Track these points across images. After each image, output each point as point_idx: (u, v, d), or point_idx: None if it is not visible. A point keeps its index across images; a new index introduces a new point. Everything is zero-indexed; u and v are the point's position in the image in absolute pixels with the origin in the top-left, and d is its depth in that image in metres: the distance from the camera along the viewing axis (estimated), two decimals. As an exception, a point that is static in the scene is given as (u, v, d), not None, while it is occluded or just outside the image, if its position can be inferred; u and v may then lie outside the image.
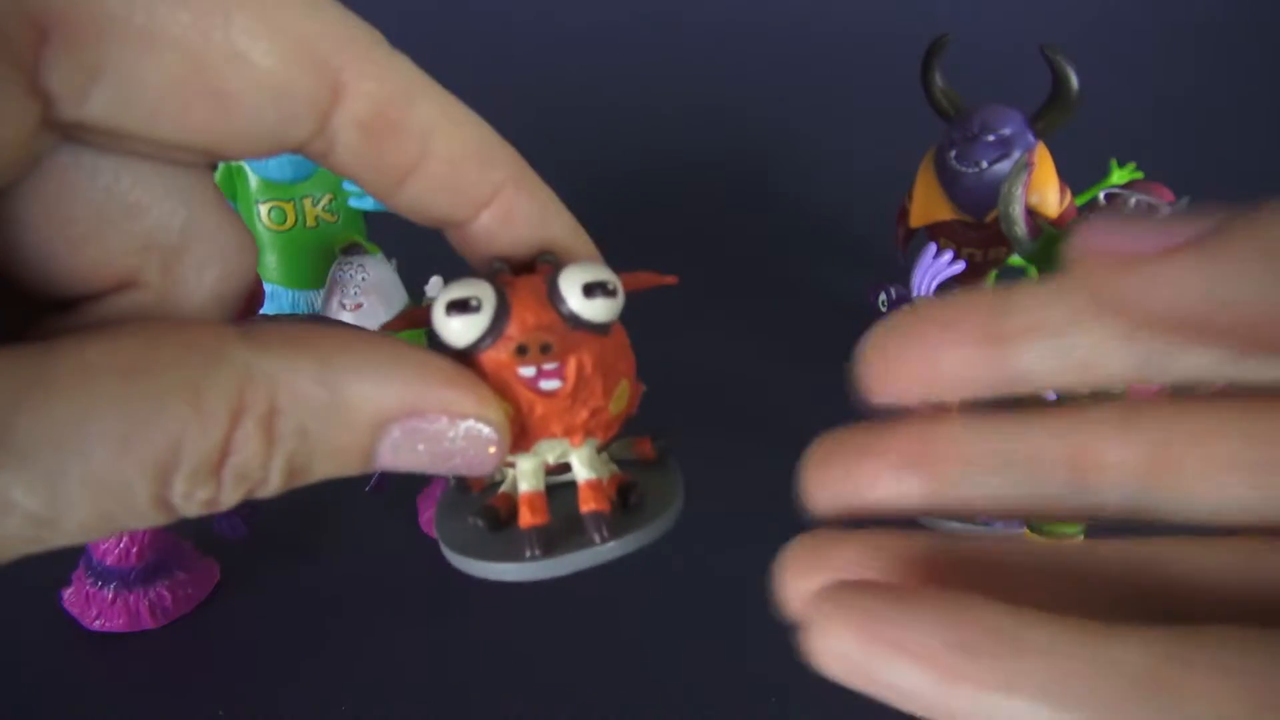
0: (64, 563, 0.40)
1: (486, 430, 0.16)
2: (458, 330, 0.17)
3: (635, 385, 0.19)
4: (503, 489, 0.20)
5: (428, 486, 0.44)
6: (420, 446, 0.16)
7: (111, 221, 0.16)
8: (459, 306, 0.17)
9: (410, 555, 0.43)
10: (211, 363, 0.14)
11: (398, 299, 0.49)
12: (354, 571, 0.42)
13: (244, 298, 0.17)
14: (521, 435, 0.18)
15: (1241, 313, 0.13)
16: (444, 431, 0.16)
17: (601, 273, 0.17)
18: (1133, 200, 0.44)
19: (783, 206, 0.69)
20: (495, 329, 0.17)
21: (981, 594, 0.15)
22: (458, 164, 0.17)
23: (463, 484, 0.21)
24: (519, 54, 0.78)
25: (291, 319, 0.16)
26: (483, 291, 0.17)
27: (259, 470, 0.15)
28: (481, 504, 0.19)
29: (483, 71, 0.75)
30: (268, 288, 0.51)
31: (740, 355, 0.54)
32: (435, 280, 0.49)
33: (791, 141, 0.75)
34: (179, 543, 0.40)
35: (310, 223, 0.50)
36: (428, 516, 0.44)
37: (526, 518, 0.18)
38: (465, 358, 0.17)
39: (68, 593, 0.39)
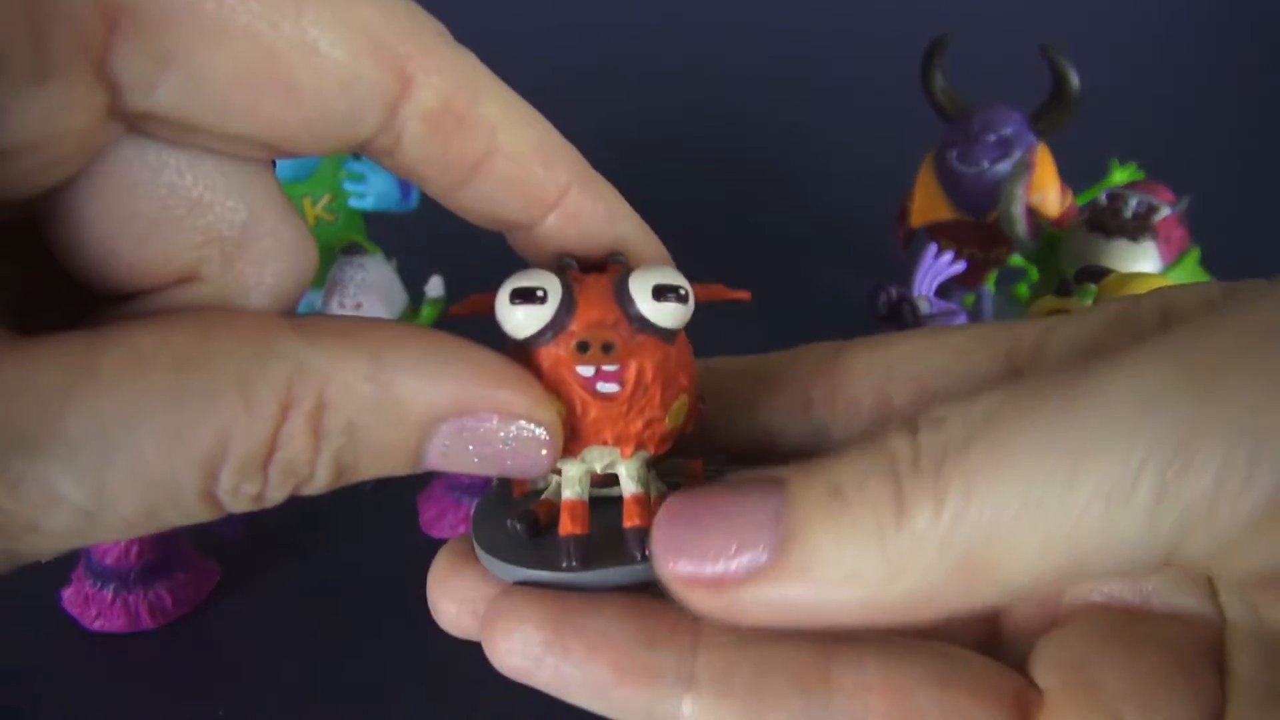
0: (64, 563, 0.40)
1: (539, 432, 0.16)
2: (520, 320, 0.16)
3: (695, 402, 0.18)
4: (545, 495, 0.19)
5: (427, 488, 0.44)
6: (470, 447, 0.16)
7: (175, 217, 0.15)
8: (524, 296, 0.16)
9: (410, 555, 0.43)
10: (263, 355, 0.14)
11: (398, 299, 0.49)
12: (354, 571, 0.42)
13: (301, 296, 0.17)
14: (571, 439, 0.17)
15: (822, 613, 0.15)
16: (495, 432, 0.16)
17: (674, 277, 0.17)
18: (1133, 200, 0.44)
19: (783, 206, 0.69)
20: (558, 323, 0.16)
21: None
22: (523, 162, 0.17)
23: (504, 487, 0.20)
24: (518, 54, 0.78)
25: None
26: (549, 283, 0.16)
27: (306, 466, 0.15)
28: (522, 508, 0.19)
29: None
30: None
31: (740, 355, 0.54)
32: (435, 280, 0.49)
33: (791, 141, 0.75)
34: (179, 543, 0.40)
35: (310, 223, 0.50)
36: (428, 517, 0.44)
37: (566, 525, 0.18)
38: (523, 350, 0.17)
39: (67, 593, 0.39)
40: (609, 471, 0.18)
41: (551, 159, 0.18)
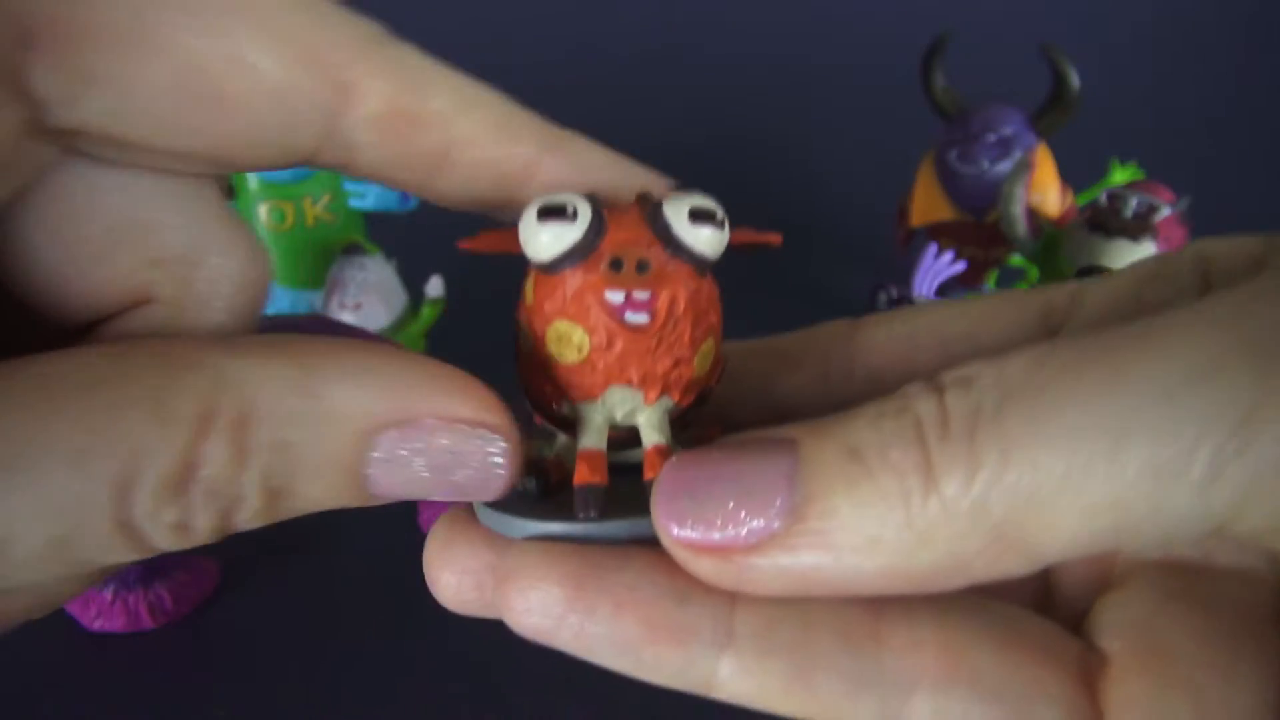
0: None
1: (493, 440, 0.15)
2: (546, 241, 0.15)
3: (720, 351, 0.17)
4: (555, 453, 0.18)
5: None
6: (417, 461, 0.14)
7: (121, 238, 0.15)
8: (554, 213, 0.15)
9: (410, 555, 0.43)
10: (181, 369, 0.13)
11: (398, 299, 0.49)
12: (354, 571, 0.42)
13: (259, 309, 0.17)
14: (593, 377, 0.16)
15: (838, 582, 0.14)
16: (442, 441, 0.14)
17: (710, 202, 0.16)
18: (1134, 200, 0.44)
19: (783, 206, 0.69)
20: (588, 243, 0.15)
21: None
22: (486, 145, 0.17)
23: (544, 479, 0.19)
24: (517, 54, 0.78)
25: (284, 331, 0.15)
26: (579, 201, 0.15)
27: (231, 486, 0.13)
28: (534, 467, 0.17)
29: (481, 73, 0.75)
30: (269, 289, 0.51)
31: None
32: (435, 280, 0.49)
33: (792, 141, 0.75)
34: (179, 543, 0.40)
35: (310, 223, 0.50)
36: (428, 516, 0.44)
37: (584, 474, 0.16)
38: (546, 277, 0.16)
39: (68, 593, 0.39)
40: (629, 424, 0.17)
41: (514, 134, 0.17)
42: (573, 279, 0.15)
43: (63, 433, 0.12)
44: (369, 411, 0.14)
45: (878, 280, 0.49)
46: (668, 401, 0.17)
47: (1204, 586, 0.16)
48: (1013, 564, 0.13)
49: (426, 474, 0.15)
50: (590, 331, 0.16)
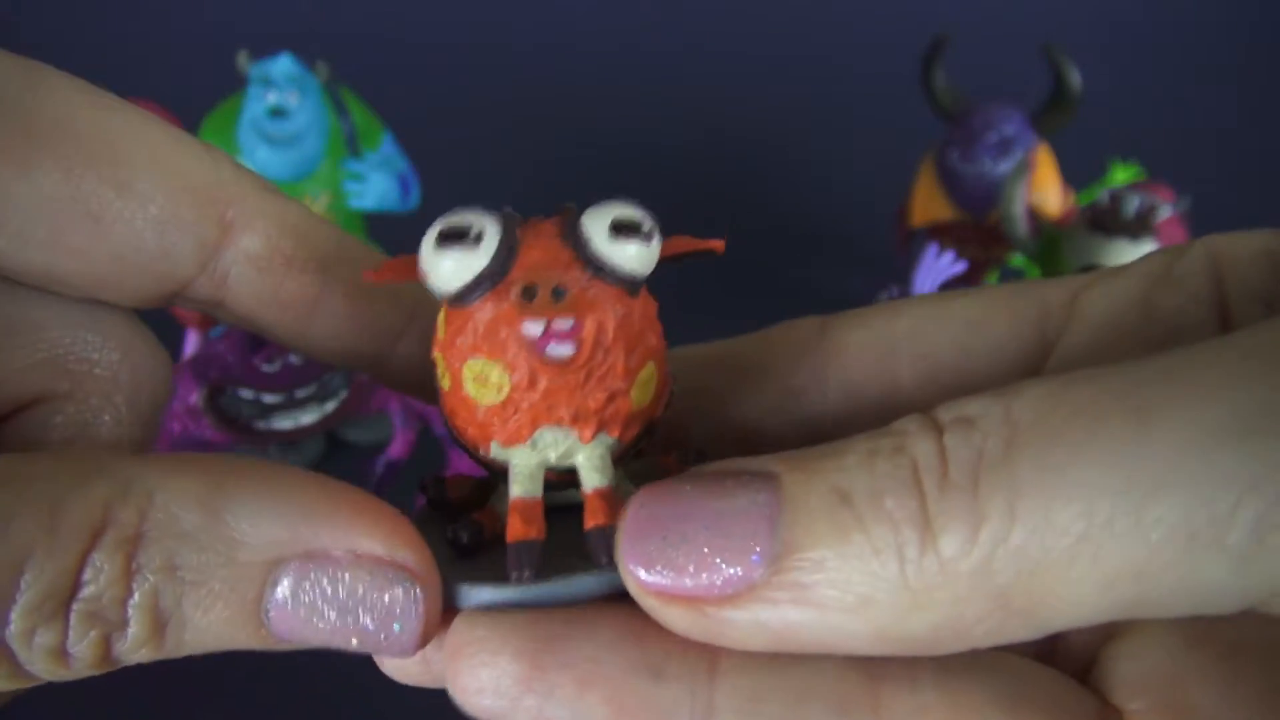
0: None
1: (407, 583, 0.13)
2: (450, 270, 0.13)
3: (665, 375, 0.15)
4: (490, 503, 0.16)
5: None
6: (321, 601, 0.13)
7: (7, 338, 0.15)
8: (454, 237, 0.13)
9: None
10: (84, 474, 0.12)
11: (397, 299, 0.49)
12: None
13: (162, 408, 0.16)
14: (517, 417, 0.14)
15: (824, 641, 0.13)
16: (349, 580, 0.13)
17: (635, 211, 0.14)
18: (1134, 200, 0.44)
19: (783, 206, 0.69)
20: (496, 269, 0.13)
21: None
22: (360, 297, 0.17)
23: (439, 491, 0.17)
24: (518, 52, 0.78)
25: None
26: (484, 220, 0.13)
27: (115, 608, 0.12)
28: (465, 517, 0.16)
29: (481, 73, 0.75)
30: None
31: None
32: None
33: (791, 141, 0.75)
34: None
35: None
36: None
37: (517, 528, 0.14)
38: (455, 311, 0.14)
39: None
40: (566, 464, 0.15)
41: (394, 288, 0.16)
42: (483, 311, 0.13)
43: None
44: (274, 539, 0.13)
45: (878, 280, 0.49)
46: (607, 439, 0.15)
47: (1229, 631, 0.14)
48: (1019, 631, 0.12)
49: (333, 614, 0.13)
50: (509, 369, 0.14)
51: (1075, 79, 0.49)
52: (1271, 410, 0.11)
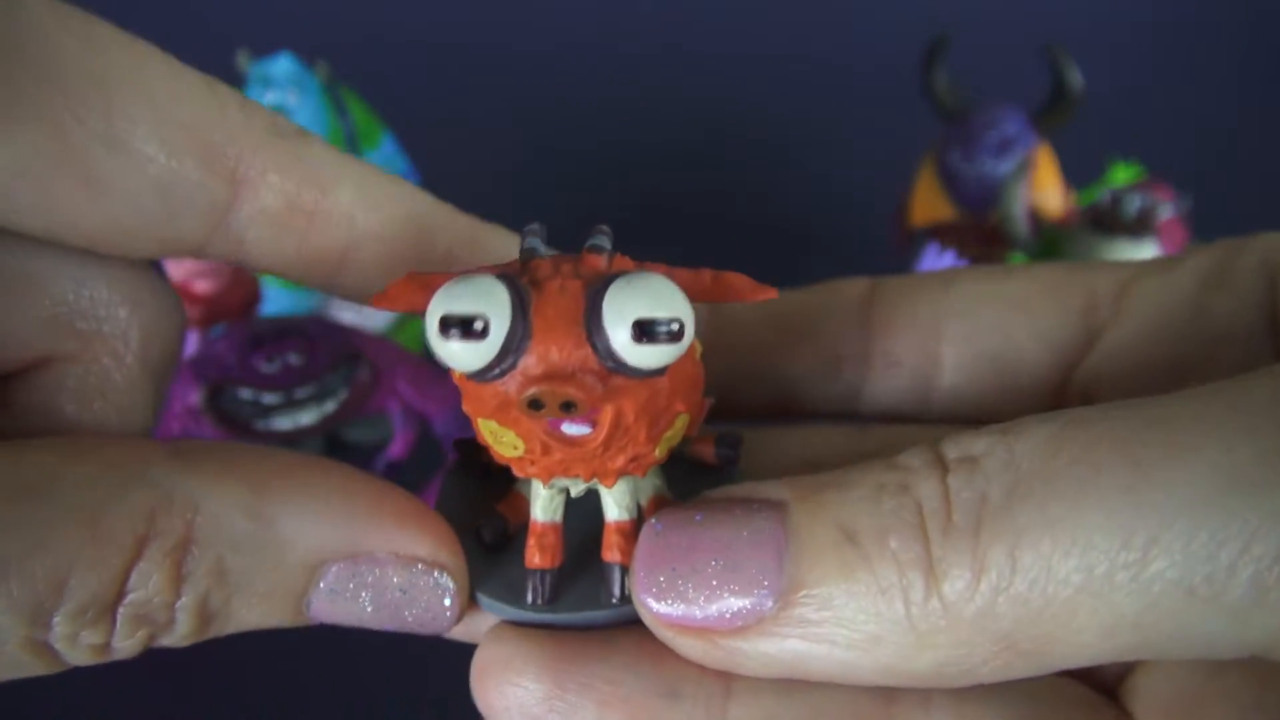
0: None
1: (443, 580, 0.14)
2: (457, 356, 0.12)
3: (698, 410, 0.15)
4: (518, 487, 0.16)
5: (429, 483, 0.44)
6: (363, 595, 0.14)
7: (8, 294, 0.14)
8: (459, 327, 0.12)
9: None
10: (125, 484, 0.12)
11: (397, 299, 0.49)
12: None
13: (177, 359, 0.16)
14: (534, 469, 0.14)
15: (832, 673, 0.13)
16: (390, 578, 0.14)
17: (663, 302, 0.12)
18: (1135, 200, 0.44)
19: (783, 206, 0.69)
20: (506, 359, 0.12)
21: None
22: (393, 241, 0.15)
23: (471, 457, 0.17)
24: (517, 54, 0.78)
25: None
26: (493, 304, 0.12)
27: (163, 611, 0.13)
28: (492, 509, 0.16)
29: (481, 72, 0.75)
30: (268, 288, 0.51)
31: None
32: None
33: (791, 141, 0.75)
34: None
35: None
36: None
37: (533, 556, 0.15)
38: (467, 380, 0.13)
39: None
40: (589, 488, 0.15)
41: (425, 228, 0.16)
42: (493, 395, 0.13)
43: None
44: (319, 541, 0.13)
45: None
46: (630, 479, 0.14)
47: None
48: (1026, 670, 0.12)
49: (371, 608, 0.14)
50: (523, 438, 0.13)
51: (1075, 79, 0.49)
52: (1264, 465, 0.11)
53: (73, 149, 0.13)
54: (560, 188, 0.67)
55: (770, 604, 0.12)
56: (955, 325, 0.17)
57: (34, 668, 0.13)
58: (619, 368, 0.12)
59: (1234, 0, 0.85)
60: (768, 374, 0.18)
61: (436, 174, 0.56)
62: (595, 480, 0.14)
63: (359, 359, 0.43)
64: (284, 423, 0.43)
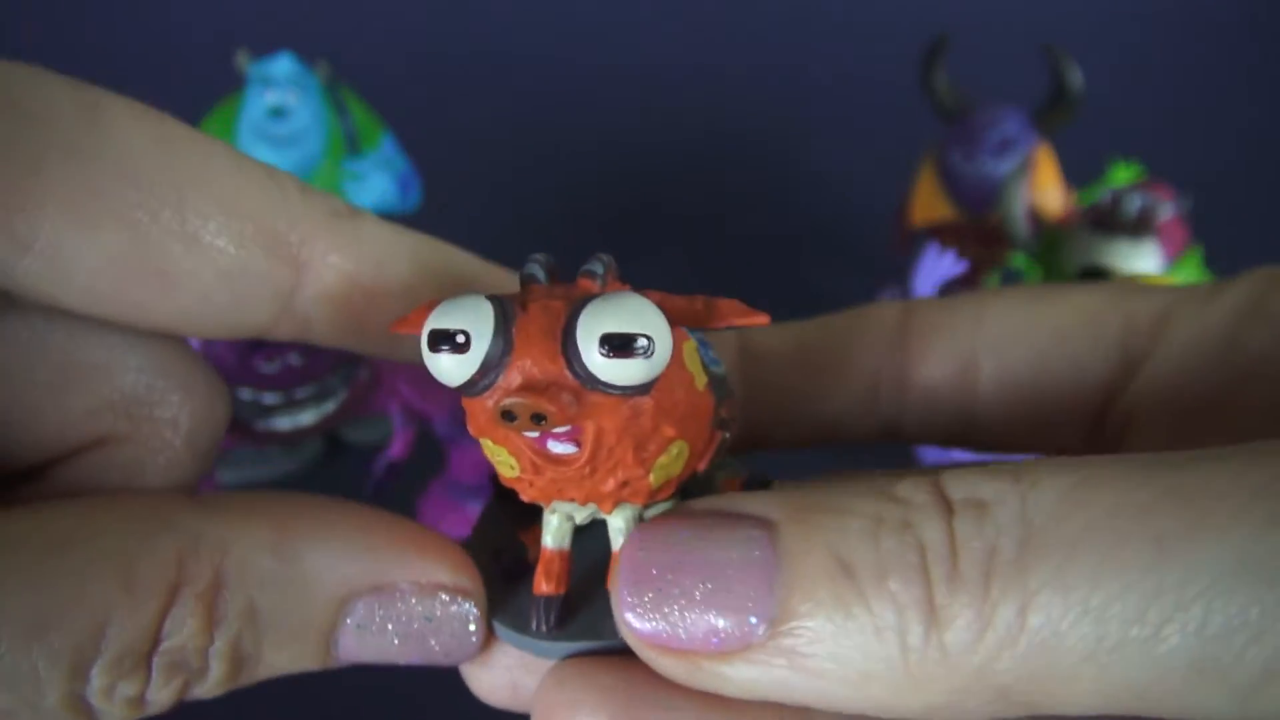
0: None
1: (466, 606, 0.14)
2: (445, 368, 0.13)
3: (704, 443, 0.15)
4: (542, 519, 0.16)
5: (427, 490, 0.44)
6: (390, 627, 0.14)
7: (71, 381, 0.15)
8: (445, 340, 0.13)
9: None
10: (152, 530, 0.13)
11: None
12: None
13: (218, 444, 0.16)
14: (531, 490, 0.14)
15: (818, 704, 0.12)
16: (415, 608, 0.14)
17: (633, 318, 0.12)
18: (1135, 200, 0.44)
19: (783, 207, 0.69)
20: (489, 373, 0.13)
21: None
22: None
23: (503, 486, 0.17)
24: (517, 53, 0.78)
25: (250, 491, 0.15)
26: (478, 321, 0.13)
27: (197, 657, 0.13)
28: (517, 538, 0.16)
29: (481, 73, 0.75)
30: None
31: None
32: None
33: (791, 141, 0.75)
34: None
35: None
36: (428, 520, 0.44)
37: (540, 584, 0.15)
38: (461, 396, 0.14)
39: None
40: (597, 517, 0.15)
41: (474, 288, 0.16)
42: (481, 410, 0.13)
43: (21, 598, 0.12)
44: (345, 576, 0.14)
45: (878, 280, 0.49)
46: (632, 507, 0.14)
47: None
48: (1014, 714, 0.12)
49: (398, 640, 0.14)
50: (515, 456, 0.14)
51: (1075, 79, 0.49)
52: None
53: (149, 246, 0.13)
54: (560, 187, 0.67)
55: (759, 631, 0.12)
56: (990, 357, 0.17)
57: None
58: (593, 384, 0.13)
59: (1234, 1, 0.85)
60: (803, 404, 0.18)
61: (436, 174, 0.56)
62: (597, 513, 0.14)
63: (359, 359, 0.43)
64: (284, 423, 0.43)
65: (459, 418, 0.44)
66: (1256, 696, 0.11)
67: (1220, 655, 0.11)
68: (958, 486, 0.12)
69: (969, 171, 0.51)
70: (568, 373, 0.13)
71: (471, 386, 0.13)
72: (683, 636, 0.12)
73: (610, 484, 0.14)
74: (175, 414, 0.15)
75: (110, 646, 0.12)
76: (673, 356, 0.13)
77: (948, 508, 0.12)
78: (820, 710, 0.13)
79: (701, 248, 0.66)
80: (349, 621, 0.14)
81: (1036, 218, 0.48)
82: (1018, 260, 0.53)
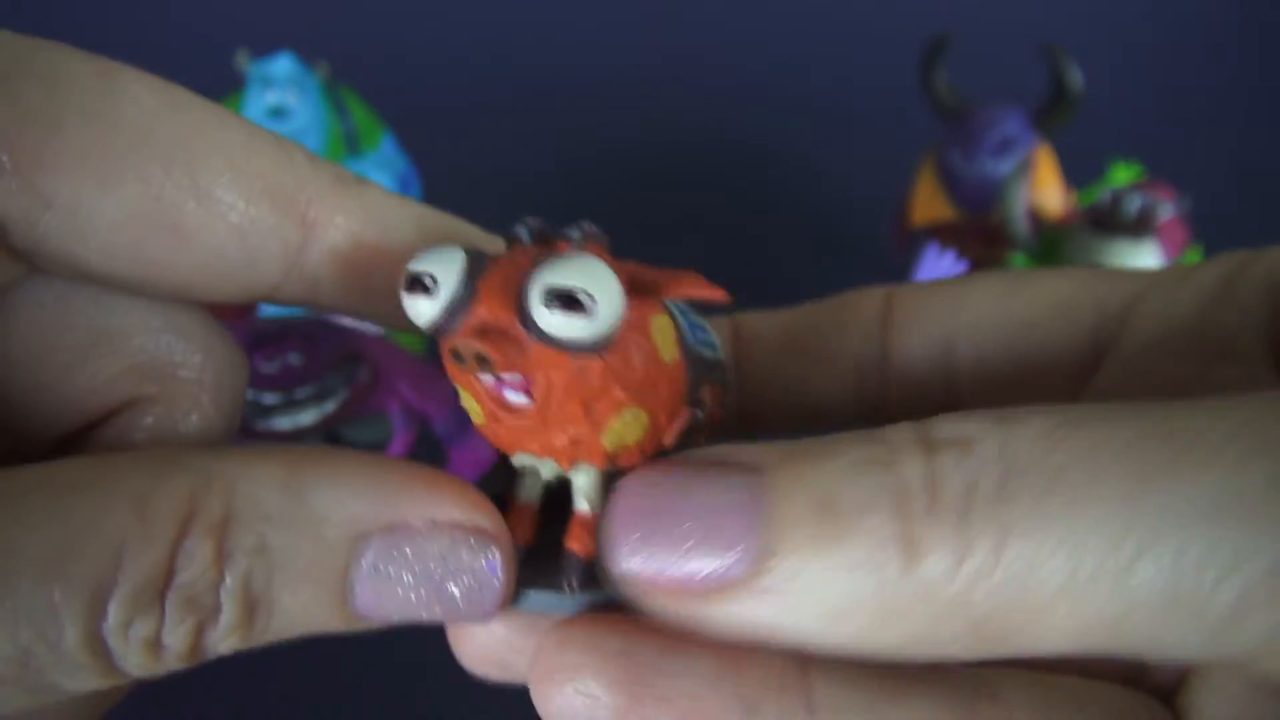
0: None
1: (486, 547, 0.14)
2: (414, 312, 0.14)
3: (671, 415, 0.15)
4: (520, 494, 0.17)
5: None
6: (406, 573, 0.13)
7: (97, 346, 0.15)
8: (413, 284, 0.14)
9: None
10: (164, 469, 0.13)
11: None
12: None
13: (241, 406, 0.17)
14: (496, 439, 0.15)
15: (799, 642, 0.13)
16: (431, 548, 0.14)
17: (580, 276, 0.13)
18: (1135, 200, 0.44)
19: (783, 206, 0.69)
20: (451, 317, 0.14)
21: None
22: None
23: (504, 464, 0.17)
24: (518, 53, 0.78)
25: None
26: (448, 267, 0.14)
27: (209, 594, 0.13)
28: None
29: (481, 72, 0.75)
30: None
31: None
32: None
33: (791, 141, 0.75)
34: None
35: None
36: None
37: (508, 529, 0.15)
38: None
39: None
40: (562, 479, 0.15)
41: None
42: (443, 350, 0.14)
43: (40, 533, 0.12)
44: (356, 514, 0.13)
45: (878, 280, 0.49)
46: (592, 468, 0.15)
47: None
48: (989, 653, 0.12)
49: (415, 583, 0.14)
50: (479, 403, 0.14)
51: (1075, 79, 0.49)
52: (1262, 492, 0.11)
53: (163, 202, 0.14)
54: (560, 187, 0.67)
55: (741, 569, 0.12)
56: (968, 344, 0.17)
57: (92, 672, 0.12)
58: (539, 335, 0.13)
59: (1234, 1, 0.85)
60: (792, 388, 0.19)
61: (436, 174, 0.56)
62: (557, 467, 0.15)
63: (359, 359, 0.43)
64: (284, 423, 0.43)
65: (459, 418, 0.44)
66: (1227, 632, 0.11)
67: (1194, 586, 0.11)
68: (941, 428, 0.12)
69: (969, 171, 0.51)
70: (518, 323, 0.13)
71: (437, 328, 0.14)
72: (667, 575, 0.13)
73: (562, 439, 0.14)
74: (199, 374, 0.16)
75: (126, 578, 0.12)
76: (633, 324, 0.14)
77: (930, 446, 0.12)
78: (809, 654, 0.13)
79: (701, 248, 0.66)
80: (364, 562, 0.13)
81: (1036, 218, 0.48)
82: (1017, 260, 0.53)
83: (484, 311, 0.13)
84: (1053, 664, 0.15)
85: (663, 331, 0.15)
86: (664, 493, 0.13)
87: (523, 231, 0.14)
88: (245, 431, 0.43)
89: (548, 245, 0.14)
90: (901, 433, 0.13)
